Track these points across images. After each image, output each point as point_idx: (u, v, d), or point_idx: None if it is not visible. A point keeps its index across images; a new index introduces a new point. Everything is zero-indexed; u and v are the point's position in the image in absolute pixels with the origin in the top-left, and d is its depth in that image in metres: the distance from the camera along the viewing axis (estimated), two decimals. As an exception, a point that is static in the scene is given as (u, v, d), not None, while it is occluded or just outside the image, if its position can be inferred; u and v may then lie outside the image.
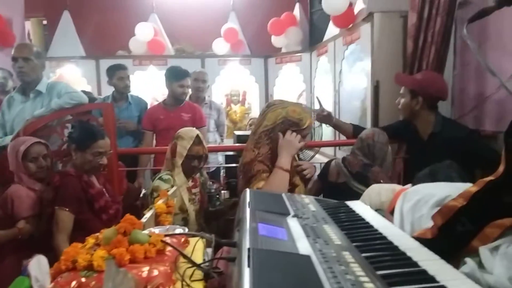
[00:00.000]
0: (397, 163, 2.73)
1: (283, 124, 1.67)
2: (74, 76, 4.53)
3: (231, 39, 4.66)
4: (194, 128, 2.13)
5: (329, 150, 3.72)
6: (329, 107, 3.84)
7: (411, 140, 2.41)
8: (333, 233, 0.97)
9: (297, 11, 4.65)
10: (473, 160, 1.86)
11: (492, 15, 1.31)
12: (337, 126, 2.71)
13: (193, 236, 1.14)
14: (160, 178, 1.94)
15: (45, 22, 4.86)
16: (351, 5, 3.17)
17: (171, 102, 3.16)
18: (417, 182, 1.66)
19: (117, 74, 3.35)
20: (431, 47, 2.50)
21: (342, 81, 3.60)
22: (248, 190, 1.35)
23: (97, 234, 1.07)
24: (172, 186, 1.91)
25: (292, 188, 1.82)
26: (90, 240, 1.05)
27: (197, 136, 2.03)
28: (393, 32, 2.81)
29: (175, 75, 3.10)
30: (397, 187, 1.84)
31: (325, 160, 3.48)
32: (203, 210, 2.08)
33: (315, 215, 1.12)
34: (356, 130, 2.67)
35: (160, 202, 1.48)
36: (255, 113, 4.90)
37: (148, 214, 1.36)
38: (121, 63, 3.55)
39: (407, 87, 2.32)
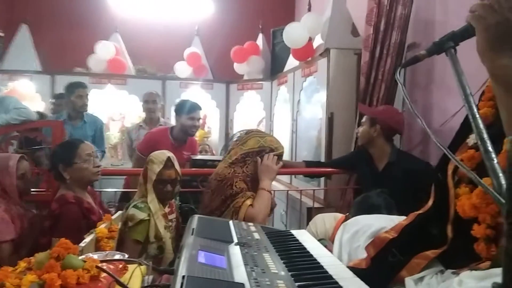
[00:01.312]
0: (347, 193, 2.82)
1: (260, 149, 1.87)
2: (27, 91, 4.36)
3: (194, 63, 4.70)
4: (166, 151, 2.05)
5: (285, 178, 3.78)
6: (286, 135, 3.95)
7: (366, 170, 2.50)
8: (272, 261, 0.98)
9: (260, 41, 4.78)
10: (425, 191, 1.95)
11: (437, 58, 1.41)
12: (290, 166, 2.80)
13: (131, 262, 1.11)
14: (135, 206, 1.85)
15: (2, 34, 4.70)
16: (310, 40, 3.31)
17: (179, 137, 3.00)
18: (353, 208, 1.75)
19: (76, 92, 3.26)
20: (382, 84, 2.64)
21: (300, 111, 3.70)
22: (196, 217, 1.36)
23: (30, 258, 1.02)
24: (149, 215, 1.83)
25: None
26: (22, 264, 1.01)
27: (169, 159, 1.96)
28: (347, 68, 2.95)
29: (185, 108, 2.99)
30: (338, 215, 1.92)
31: (281, 187, 3.57)
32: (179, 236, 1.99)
33: (258, 243, 1.13)
34: (309, 165, 2.77)
35: (102, 226, 1.44)
36: (215, 137, 4.91)
37: (87, 239, 1.31)
38: (81, 81, 3.46)
39: (368, 115, 2.44)
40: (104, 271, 0.99)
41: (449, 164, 1.00)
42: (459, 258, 0.84)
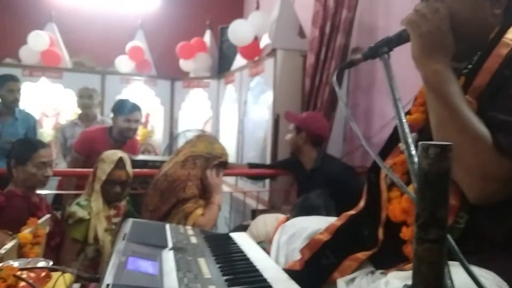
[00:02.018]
0: (291, 194, 2.85)
1: (208, 156, 1.97)
2: None
3: (137, 57, 4.53)
4: (119, 151, 2.02)
5: (230, 180, 3.75)
6: (233, 136, 3.92)
7: (299, 173, 2.57)
8: (206, 266, 0.96)
9: (207, 37, 4.71)
10: (347, 193, 2.01)
11: (379, 62, 1.46)
12: (233, 168, 2.80)
13: (55, 270, 1.03)
14: (77, 204, 1.83)
15: None
16: (257, 39, 3.30)
17: (119, 137, 2.84)
18: (293, 209, 1.79)
19: (7, 86, 3.00)
20: (326, 87, 2.69)
21: (246, 111, 3.69)
22: (130, 220, 1.30)
23: None
24: (89, 214, 1.81)
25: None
26: None
27: (120, 159, 1.93)
28: (293, 69, 2.97)
29: (121, 109, 2.83)
30: (280, 216, 1.95)
31: (226, 189, 3.53)
32: None
33: (194, 247, 1.10)
34: (252, 167, 2.78)
35: (26, 231, 1.33)
36: (158, 136, 4.76)
37: (8, 245, 1.20)
38: (12, 74, 3.20)
39: (293, 123, 2.48)
40: (23, 279, 0.92)
41: (383, 166, 1.02)
42: (389, 259, 0.85)
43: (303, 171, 2.48)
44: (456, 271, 0.54)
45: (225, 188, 3.54)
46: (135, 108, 2.87)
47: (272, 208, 2.88)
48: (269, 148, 3.03)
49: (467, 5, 0.90)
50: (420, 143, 0.39)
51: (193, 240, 1.17)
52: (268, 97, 3.10)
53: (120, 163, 1.93)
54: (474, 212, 0.80)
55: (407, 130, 0.70)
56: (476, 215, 0.79)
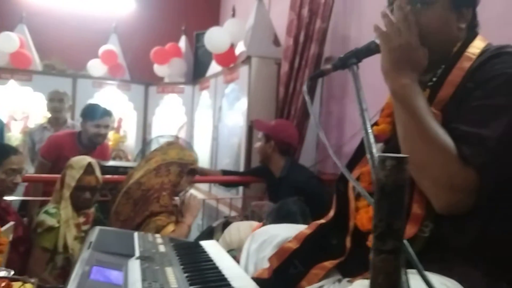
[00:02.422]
0: (264, 201, 2.85)
1: (181, 162, 1.99)
2: None
3: (110, 61, 4.44)
4: (87, 157, 1.99)
5: (204, 186, 3.72)
6: (207, 142, 3.90)
7: (269, 181, 2.57)
8: (173, 276, 0.94)
9: (182, 43, 4.68)
10: (313, 202, 2.02)
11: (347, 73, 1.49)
12: (206, 174, 2.77)
13: (15, 280, 0.99)
14: (46, 212, 1.79)
15: None
16: (232, 46, 3.31)
17: (88, 142, 2.76)
18: (269, 216, 1.80)
19: None
20: (299, 95, 2.71)
21: (221, 117, 3.68)
22: (97, 229, 1.27)
23: None
24: (59, 222, 1.78)
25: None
26: None
27: (89, 164, 1.91)
28: (268, 77, 2.99)
29: (90, 114, 2.75)
30: (254, 223, 1.94)
31: (199, 195, 3.49)
32: None
33: (162, 256, 1.08)
34: (226, 174, 2.77)
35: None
36: (131, 142, 4.67)
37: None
38: None
39: (262, 131, 2.49)
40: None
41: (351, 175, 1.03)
42: (355, 267, 0.86)
43: (272, 179, 2.49)
44: (418, 280, 0.55)
45: (199, 195, 3.52)
46: (105, 113, 2.81)
47: (245, 215, 2.87)
48: (243, 154, 3.03)
49: (433, 19, 0.93)
50: (378, 155, 0.40)
51: (162, 248, 1.15)
52: (242, 104, 3.10)
53: (89, 168, 1.91)
54: (439, 221, 0.81)
55: (372, 140, 0.71)
56: (441, 224, 0.81)
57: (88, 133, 2.73)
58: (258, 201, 2.45)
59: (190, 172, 2.04)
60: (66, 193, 1.85)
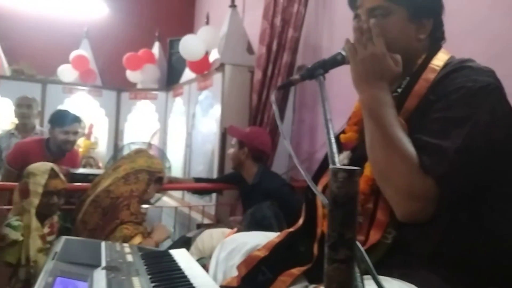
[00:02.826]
0: (238, 208, 2.85)
1: (149, 170, 2.00)
2: None
3: (81, 67, 4.35)
4: (47, 162, 1.94)
5: (177, 194, 3.68)
6: (181, 149, 3.87)
7: (242, 188, 2.58)
8: (140, 286, 0.94)
9: (156, 49, 4.65)
10: (285, 209, 2.04)
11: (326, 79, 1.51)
12: (178, 182, 2.75)
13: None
14: (9, 225, 1.72)
15: None
16: (207, 54, 3.31)
17: (56, 149, 2.69)
18: (243, 221, 1.81)
19: None
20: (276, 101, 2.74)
21: (195, 124, 3.67)
22: (63, 238, 1.24)
23: None
24: (23, 235, 1.70)
25: None
26: None
27: (52, 169, 1.87)
28: (241, 84, 3.01)
29: (58, 120, 2.68)
30: (226, 230, 1.94)
31: (172, 203, 3.47)
32: None
33: (129, 266, 1.07)
34: (198, 181, 2.76)
35: None
36: (102, 148, 4.59)
37: None
38: None
39: (236, 138, 2.50)
40: None
41: (319, 183, 1.05)
42: (322, 274, 0.87)
43: (245, 186, 2.50)
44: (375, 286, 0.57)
45: (172, 202, 3.49)
46: (74, 119, 2.75)
47: (218, 222, 2.86)
48: (217, 161, 3.02)
49: (392, 29, 0.96)
50: (330, 167, 0.41)
51: (129, 258, 1.14)
52: (216, 111, 3.11)
53: (52, 172, 1.87)
54: (402, 228, 0.83)
55: (335, 150, 0.73)
56: (404, 232, 0.83)
57: (57, 140, 2.66)
58: (236, 217, 2.46)
59: (158, 180, 2.05)
60: (35, 201, 1.78)
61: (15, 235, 1.69)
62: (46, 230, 1.85)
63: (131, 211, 1.86)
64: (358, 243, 0.52)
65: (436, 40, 1.02)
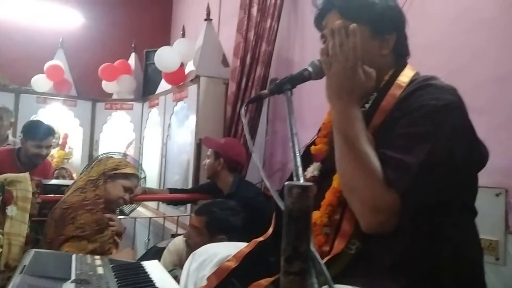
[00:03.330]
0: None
1: (105, 172, 1.91)
2: None
3: (55, 77, 4.29)
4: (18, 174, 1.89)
5: (152, 204, 3.66)
6: (156, 159, 3.86)
7: (217, 198, 2.58)
8: (110, 299, 0.94)
9: (132, 60, 4.63)
10: (261, 219, 2.06)
11: (295, 93, 1.55)
12: (152, 193, 2.74)
13: None
14: None
15: None
16: (182, 65, 3.33)
17: (26, 161, 2.64)
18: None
19: None
20: (246, 114, 2.78)
21: (170, 135, 3.67)
22: (32, 251, 1.23)
23: None
24: (2, 246, 1.63)
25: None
26: None
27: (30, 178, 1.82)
28: (216, 96, 3.04)
29: (31, 133, 2.62)
30: None
31: (148, 213, 3.44)
32: None
33: (99, 279, 1.07)
34: (172, 192, 2.76)
35: None
36: (77, 159, 4.52)
37: None
38: None
39: (211, 149, 2.52)
40: None
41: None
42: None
43: (220, 196, 2.51)
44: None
45: (147, 213, 3.46)
46: (48, 132, 2.71)
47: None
48: (192, 171, 3.03)
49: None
50: (285, 183, 0.44)
51: (100, 270, 1.14)
52: (191, 122, 3.13)
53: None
54: (366, 240, 0.86)
55: (299, 164, 0.76)
56: (368, 243, 0.86)
57: (28, 152, 2.62)
58: None
59: (116, 176, 1.93)
60: (26, 206, 1.72)
61: None
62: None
63: (76, 224, 1.75)
64: (317, 255, 0.56)
65: (400, 55, 1.05)
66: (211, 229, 1.77)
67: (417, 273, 0.83)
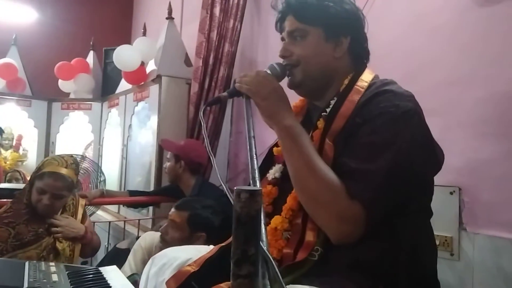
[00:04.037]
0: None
1: (31, 178, 1.83)
2: None
3: (8, 75, 4.07)
4: None
5: (112, 207, 3.56)
6: (116, 161, 3.76)
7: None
8: (64, 307, 0.91)
9: (90, 58, 4.48)
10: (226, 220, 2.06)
11: None
12: (112, 196, 2.67)
13: None
14: None
15: None
16: (143, 64, 3.27)
17: None
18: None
19: None
20: (210, 115, 2.76)
21: (131, 136, 3.58)
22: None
23: None
24: None
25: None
26: None
27: None
28: (179, 96, 3.01)
29: None
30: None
31: (108, 217, 3.34)
32: None
33: (54, 286, 1.04)
34: (133, 194, 2.70)
35: None
36: (32, 160, 4.32)
37: None
38: None
39: (171, 152, 2.49)
40: None
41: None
42: None
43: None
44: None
45: (108, 216, 3.36)
46: None
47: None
48: (153, 173, 2.98)
49: (308, 50, 1.02)
50: (235, 188, 0.45)
51: (54, 277, 1.10)
52: (153, 123, 3.07)
53: None
54: (327, 246, 0.88)
55: (256, 167, 0.77)
56: (329, 248, 0.88)
57: None
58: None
59: (43, 176, 1.77)
60: None
61: None
62: None
63: None
64: (269, 255, 0.56)
65: (358, 57, 1.07)
66: (192, 224, 1.74)
67: (374, 272, 0.86)
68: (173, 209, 1.78)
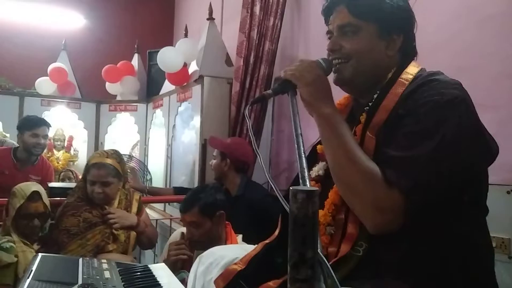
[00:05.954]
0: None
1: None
2: None
3: (59, 79, 4.29)
4: (32, 183, 1.98)
5: (158, 206, 3.66)
6: (161, 160, 3.85)
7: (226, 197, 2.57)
8: (117, 303, 0.94)
9: (135, 61, 4.63)
10: (268, 220, 2.05)
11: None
12: (158, 193, 2.74)
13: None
14: (0, 248, 1.71)
15: None
16: (185, 65, 3.33)
17: (24, 158, 2.68)
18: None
19: None
20: (252, 114, 2.77)
21: (175, 135, 3.66)
22: (39, 256, 1.23)
23: None
24: (17, 256, 1.70)
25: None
26: None
27: (34, 192, 1.87)
28: (220, 96, 3.03)
29: (27, 124, 2.68)
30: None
31: (154, 215, 3.43)
32: None
33: (107, 282, 1.07)
34: (178, 192, 2.74)
35: None
36: (83, 160, 4.51)
37: None
38: None
39: (218, 149, 2.49)
40: None
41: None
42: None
43: (228, 197, 2.49)
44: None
45: (154, 215, 3.46)
46: (43, 122, 2.76)
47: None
48: (197, 172, 3.02)
49: (360, 46, 0.98)
50: (291, 188, 0.43)
51: (107, 274, 1.14)
52: (196, 122, 3.12)
53: (35, 194, 1.86)
54: (373, 241, 0.85)
55: (305, 164, 0.75)
56: (374, 243, 0.85)
57: (27, 145, 2.65)
58: None
59: (90, 169, 2.03)
60: (8, 222, 1.80)
61: (9, 258, 1.67)
62: (36, 246, 1.85)
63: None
64: (324, 258, 0.55)
65: (406, 55, 1.03)
66: (206, 213, 1.74)
67: (425, 272, 0.82)
68: (182, 215, 1.79)
